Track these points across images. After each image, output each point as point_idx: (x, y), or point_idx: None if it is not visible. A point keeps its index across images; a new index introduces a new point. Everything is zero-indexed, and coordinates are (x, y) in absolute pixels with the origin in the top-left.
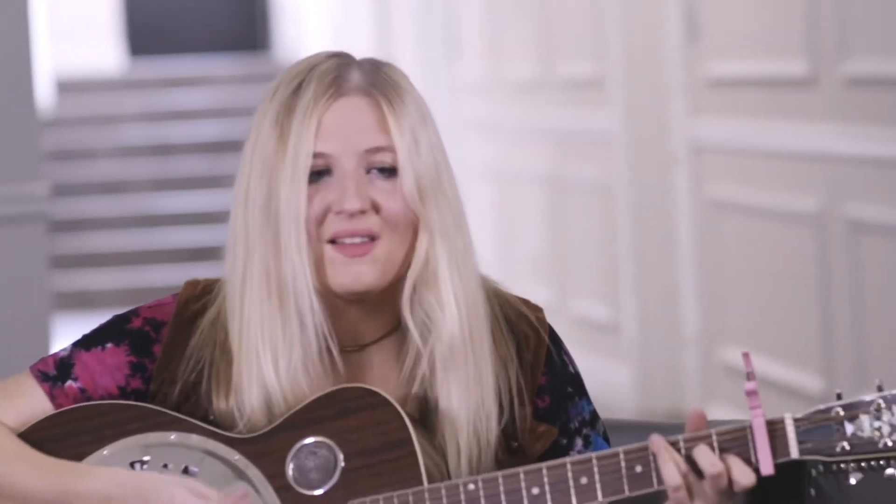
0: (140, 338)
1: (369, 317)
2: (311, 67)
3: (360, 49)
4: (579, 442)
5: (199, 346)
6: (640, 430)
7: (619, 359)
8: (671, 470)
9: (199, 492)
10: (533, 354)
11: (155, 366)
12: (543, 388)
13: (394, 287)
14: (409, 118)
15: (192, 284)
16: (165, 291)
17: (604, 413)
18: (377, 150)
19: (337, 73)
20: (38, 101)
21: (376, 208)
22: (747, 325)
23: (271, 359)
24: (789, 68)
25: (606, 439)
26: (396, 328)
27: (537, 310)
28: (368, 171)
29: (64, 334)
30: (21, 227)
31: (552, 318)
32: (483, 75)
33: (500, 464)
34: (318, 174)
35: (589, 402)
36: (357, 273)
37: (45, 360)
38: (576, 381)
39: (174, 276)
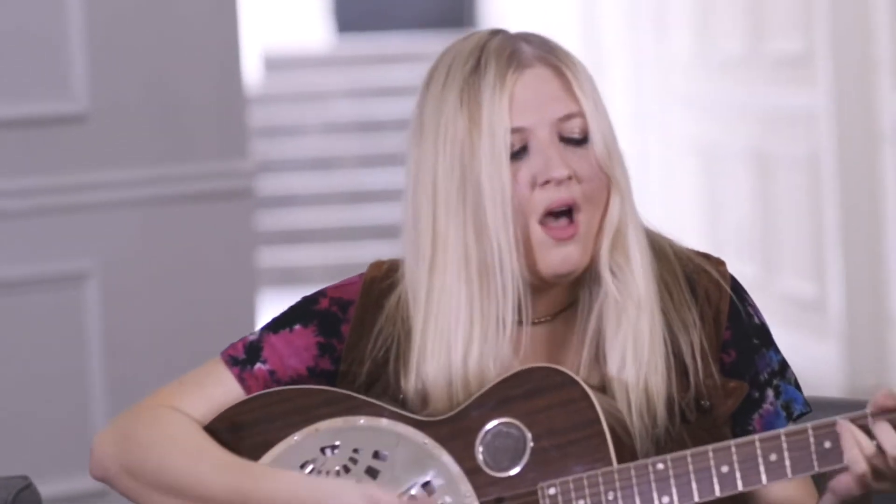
0: (328, 318)
1: (563, 289)
2: (482, 45)
3: (567, 27)
4: (770, 393)
5: (387, 325)
6: (846, 408)
7: (826, 336)
8: (855, 454)
9: (375, 499)
10: (715, 309)
11: (343, 346)
12: (728, 342)
13: None
14: (587, 81)
15: (377, 265)
16: None
17: (810, 391)
18: (568, 117)
19: (512, 47)
20: (245, 78)
21: (577, 178)
22: None
23: (463, 341)
24: None
25: (798, 387)
26: (573, 301)
27: (719, 263)
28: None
29: (270, 310)
30: (228, 203)
31: (757, 296)
32: (690, 51)
33: (689, 425)
34: (516, 154)
35: (777, 351)
36: (566, 254)
37: (235, 345)
38: (761, 332)
39: (381, 253)
